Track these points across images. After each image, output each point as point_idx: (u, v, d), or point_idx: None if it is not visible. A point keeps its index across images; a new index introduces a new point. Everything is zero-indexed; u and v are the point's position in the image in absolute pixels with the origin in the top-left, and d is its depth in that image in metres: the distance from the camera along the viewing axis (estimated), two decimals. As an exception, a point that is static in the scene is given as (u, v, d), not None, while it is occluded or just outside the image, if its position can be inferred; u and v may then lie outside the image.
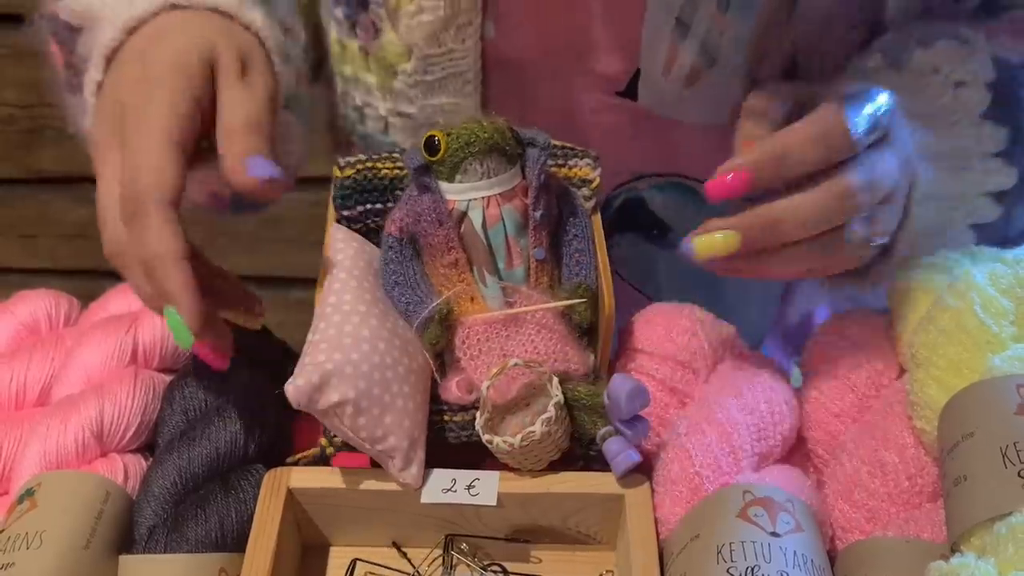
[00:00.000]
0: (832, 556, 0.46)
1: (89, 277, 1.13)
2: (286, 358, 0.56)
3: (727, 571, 0.40)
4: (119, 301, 0.58)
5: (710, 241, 0.45)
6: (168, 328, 0.43)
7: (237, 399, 0.50)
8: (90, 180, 1.11)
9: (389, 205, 0.52)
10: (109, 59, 0.49)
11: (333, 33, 0.67)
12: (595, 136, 0.62)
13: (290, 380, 0.43)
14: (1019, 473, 0.39)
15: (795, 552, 0.41)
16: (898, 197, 0.49)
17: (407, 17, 0.59)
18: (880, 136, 0.47)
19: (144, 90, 0.45)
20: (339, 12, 0.64)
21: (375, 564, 0.49)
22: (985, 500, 0.39)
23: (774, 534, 0.41)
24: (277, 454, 0.50)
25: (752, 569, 0.39)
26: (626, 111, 0.61)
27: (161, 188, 0.42)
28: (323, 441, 0.49)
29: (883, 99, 0.47)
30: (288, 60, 0.54)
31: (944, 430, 0.43)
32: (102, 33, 0.49)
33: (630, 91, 0.59)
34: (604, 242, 0.52)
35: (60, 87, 0.61)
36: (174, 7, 0.49)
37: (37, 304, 0.59)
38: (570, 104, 0.61)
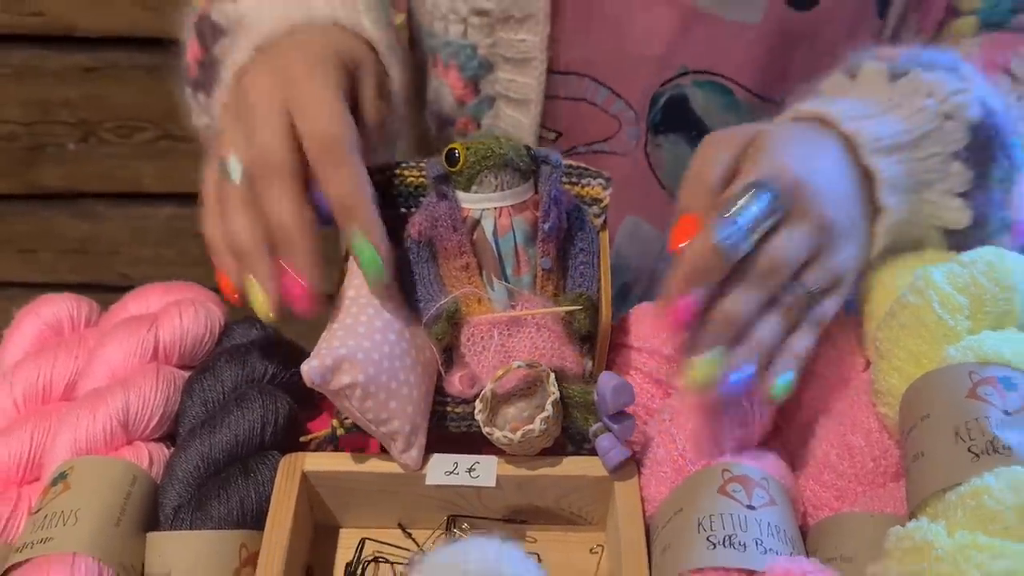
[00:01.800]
0: (804, 531, 0.50)
1: (87, 291, 1.17)
2: (296, 355, 0.59)
3: (707, 539, 0.44)
4: (138, 303, 0.62)
5: (702, 370, 0.46)
6: (362, 268, 0.49)
7: (253, 392, 0.54)
8: (90, 196, 1.14)
9: (411, 211, 0.56)
10: (238, 76, 0.54)
11: None
12: (646, 31, 0.67)
13: (306, 361, 0.47)
14: (969, 449, 0.43)
15: (769, 523, 0.45)
16: (841, 245, 0.51)
17: None
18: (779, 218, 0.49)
19: (306, 64, 0.51)
20: None
21: (383, 543, 0.52)
22: (939, 473, 0.43)
23: (750, 507, 0.45)
24: (290, 443, 0.54)
25: (729, 537, 0.43)
26: (676, 6, 0.65)
27: (351, 134, 0.48)
28: (334, 423, 0.52)
29: (783, 179, 0.48)
30: (398, 61, 0.60)
31: (904, 413, 0.48)
32: (237, 49, 0.54)
33: None
34: (608, 259, 0.56)
35: (184, 80, 0.66)
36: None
37: (60, 306, 0.63)
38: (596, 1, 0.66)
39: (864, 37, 0.66)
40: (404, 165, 0.57)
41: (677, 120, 0.70)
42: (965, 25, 0.68)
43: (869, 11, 0.66)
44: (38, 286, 1.69)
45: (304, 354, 0.51)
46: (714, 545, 0.43)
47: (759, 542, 0.43)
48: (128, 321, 0.59)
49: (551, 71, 0.70)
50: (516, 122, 0.72)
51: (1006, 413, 0.44)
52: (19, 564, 0.46)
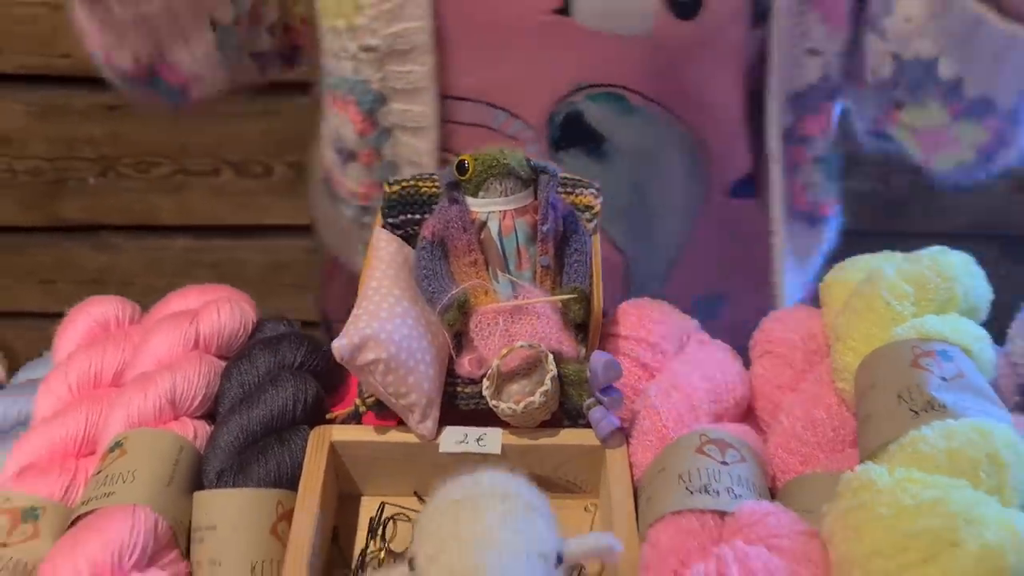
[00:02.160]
0: (773, 493, 0.57)
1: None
2: (319, 348, 0.66)
3: (685, 488, 0.50)
4: (179, 302, 0.69)
5: None
6: None
7: (285, 374, 0.61)
8: (108, 228, 1.20)
9: (426, 216, 0.63)
10: None
11: None
12: (536, 52, 0.71)
13: (336, 339, 0.54)
14: (910, 408, 0.50)
15: (739, 476, 0.51)
16: None
17: None
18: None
19: None
20: None
21: (400, 507, 0.59)
22: (884, 429, 0.50)
23: (723, 463, 0.52)
24: (318, 422, 0.61)
25: (705, 486, 0.50)
26: (563, 26, 0.69)
27: None
28: (357, 401, 0.59)
29: None
30: None
31: (857, 384, 0.55)
32: None
33: (565, 9, 0.69)
34: (599, 258, 0.63)
35: None
36: None
37: (107, 306, 0.70)
38: (514, 22, 0.70)
39: (740, 44, 0.72)
40: (419, 177, 0.65)
41: (575, 135, 0.74)
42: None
43: (746, 19, 0.72)
44: (57, 315, 1.76)
45: (325, 348, 0.58)
46: (691, 492, 0.50)
47: (730, 490, 0.50)
48: (171, 316, 0.66)
49: (446, 97, 0.74)
50: (414, 149, 0.77)
51: (943, 379, 0.51)
52: (85, 515, 0.53)
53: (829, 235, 0.88)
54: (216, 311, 0.66)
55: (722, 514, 0.49)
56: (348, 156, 0.82)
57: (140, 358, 0.63)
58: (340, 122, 0.80)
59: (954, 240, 0.64)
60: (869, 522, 0.43)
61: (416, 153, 0.77)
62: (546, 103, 0.73)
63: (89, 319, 0.69)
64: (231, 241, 1.58)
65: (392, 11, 0.71)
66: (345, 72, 0.76)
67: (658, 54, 0.71)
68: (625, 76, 0.72)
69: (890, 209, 1.52)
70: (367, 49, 0.74)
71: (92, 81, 1.43)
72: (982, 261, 0.63)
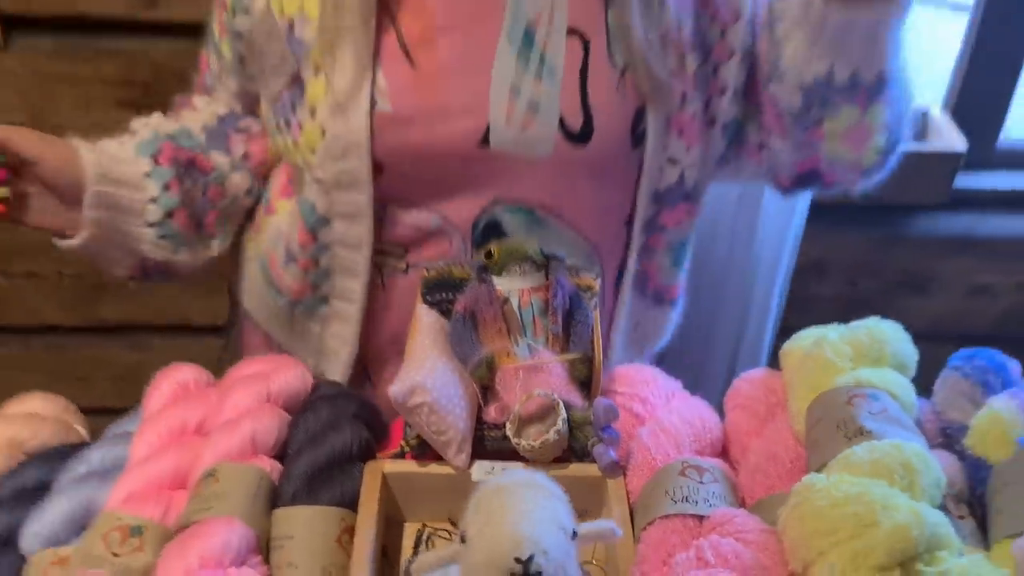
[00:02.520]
0: (743, 514, 0.69)
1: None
2: (366, 405, 0.80)
3: (671, 499, 0.64)
4: (249, 367, 0.83)
5: None
6: None
7: (343, 422, 0.74)
8: (142, 328, 1.31)
9: (456, 295, 0.77)
10: None
11: (278, 140, 0.93)
12: (462, 173, 0.86)
13: (392, 386, 0.68)
14: (845, 435, 0.64)
15: (714, 492, 0.65)
16: None
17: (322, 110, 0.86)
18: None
19: None
20: (278, 121, 0.92)
21: (437, 529, 0.71)
22: (826, 451, 0.64)
23: (701, 482, 0.65)
24: (368, 459, 0.74)
25: (686, 497, 0.63)
26: (483, 153, 0.85)
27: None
28: (402, 443, 0.73)
29: None
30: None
31: (807, 421, 0.69)
32: None
33: (484, 140, 0.85)
34: (600, 328, 0.78)
35: None
36: None
37: (187, 372, 0.84)
38: (442, 151, 0.85)
39: (624, 162, 0.88)
40: (450, 263, 0.80)
41: (494, 238, 0.89)
42: None
43: (627, 144, 0.87)
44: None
45: (370, 404, 0.71)
46: (675, 502, 0.63)
47: (707, 500, 0.63)
48: (246, 377, 0.80)
49: (390, 202, 0.89)
50: (351, 261, 0.91)
51: (871, 413, 0.65)
52: (187, 526, 0.65)
53: (674, 316, 1.05)
54: (283, 373, 0.80)
55: (700, 518, 0.62)
56: (289, 258, 0.96)
57: (223, 410, 0.77)
58: (289, 230, 0.95)
59: (915, 341, 0.78)
60: (810, 512, 0.57)
61: (352, 264, 0.91)
62: (471, 213, 0.88)
63: (173, 382, 0.83)
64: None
65: (338, 154, 0.86)
66: (297, 195, 0.93)
67: (558, 174, 0.87)
68: (532, 193, 0.88)
69: (855, 312, 1.68)
70: (317, 180, 0.89)
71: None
72: (940, 360, 0.77)
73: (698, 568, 0.56)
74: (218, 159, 0.98)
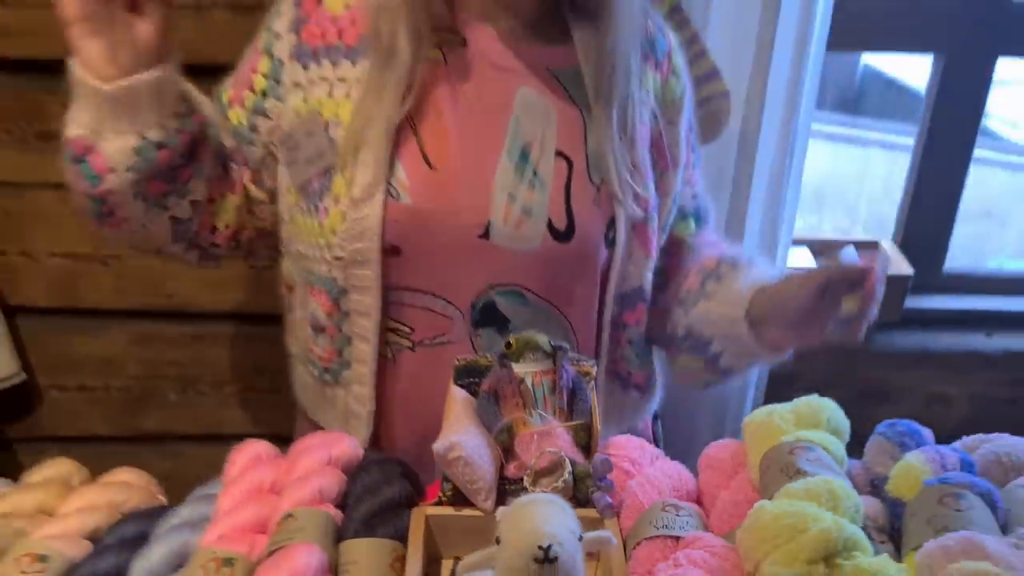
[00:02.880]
0: (713, 547, 0.87)
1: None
2: (406, 468, 0.98)
3: (654, 526, 0.82)
4: (312, 440, 1.01)
5: None
6: None
7: (393, 477, 0.93)
8: (179, 438, 1.46)
9: (480, 379, 0.97)
10: None
11: (302, 220, 1.09)
12: (463, 260, 1.04)
13: (435, 443, 0.87)
14: (787, 476, 0.82)
15: (688, 522, 0.83)
16: None
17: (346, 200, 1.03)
18: None
19: None
20: (308, 205, 1.08)
21: (470, 563, 0.88)
22: (772, 488, 0.82)
23: (677, 515, 0.83)
24: (414, 506, 0.92)
25: (666, 525, 0.81)
26: (483, 244, 1.04)
27: None
28: (440, 494, 0.91)
29: None
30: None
31: (760, 470, 0.87)
32: None
33: (485, 234, 1.04)
34: (597, 405, 0.97)
35: None
36: None
37: (260, 446, 1.02)
38: (449, 240, 1.03)
39: (598, 260, 1.09)
40: (477, 356, 1.00)
41: (490, 318, 1.08)
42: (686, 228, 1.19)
43: (601, 245, 1.08)
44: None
45: (411, 469, 0.90)
46: (657, 528, 0.81)
47: (682, 527, 0.81)
48: (309, 447, 0.99)
49: (398, 289, 1.06)
50: (363, 327, 1.08)
51: (807, 460, 0.84)
52: (274, 552, 0.83)
53: (645, 400, 1.25)
54: (340, 444, 0.98)
55: (677, 538, 0.80)
56: (319, 330, 1.13)
57: (294, 471, 0.95)
58: (315, 306, 1.12)
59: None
60: (757, 526, 0.75)
61: (364, 330, 1.08)
62: (470, 295, 1.06)
63: (248, 453, 1.01)
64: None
65: (355, 236, 1.04)
66: (320, 271, 1.10)
67: (544, 265, 1.06)
68: (523, 279, 1.07)
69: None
70: (337, 258, 1.07)
71: (184, 315, 1.81)
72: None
73: (675, 569, 0.74)
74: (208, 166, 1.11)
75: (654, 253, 1.14)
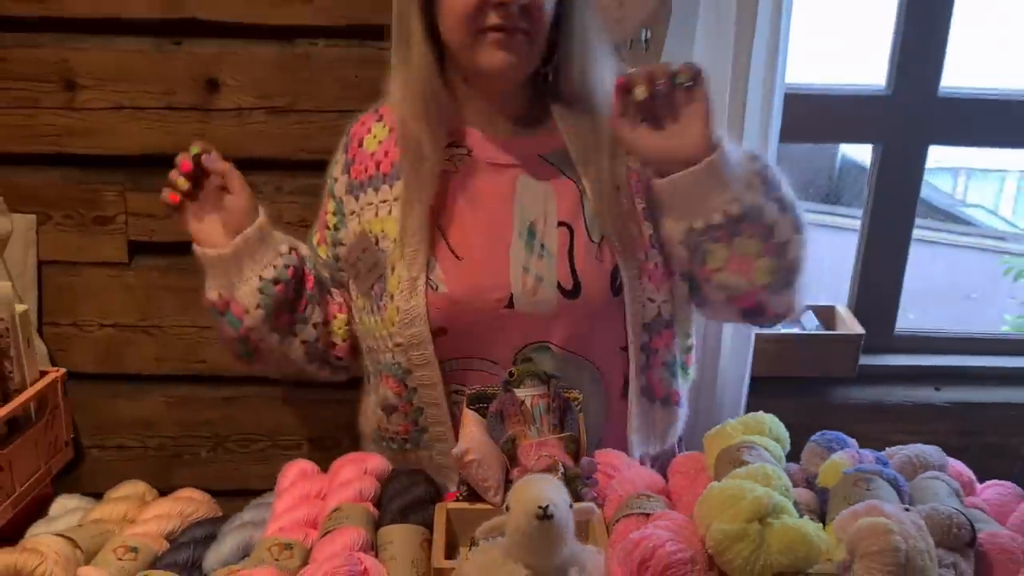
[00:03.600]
0: (679, 530, 1.08)
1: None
2: (429, 479, 1.19)
3: (630, 508, 1.02)
4: (349, 457, 1.22)
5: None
6: None
7: (419, 480, 1.14)
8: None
9: (489, 404, 1.18)
10: None
11: (368, 319, 1.34)
12: (497, 329, 1.26)
13: (454, 448, 1.08)
14: (733, 467, 1.04)
15: (657, 505, 1.04)
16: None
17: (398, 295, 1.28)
18: None
19: None
20: (371, 307, 1.32)
21: (482, 547, 1.09)
22: (722, 477, 1.03)
23: (649, 500, 1.04)
24: (437, 502, 1.12)
25: (640, 507, 1.02)
26: (510, 314, 1.26)
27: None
28: (458, 495, 1.11)
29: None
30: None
31: (715, 468, 1.09)
32: None
33: (510, 304, 1.26)
34: (583, 423, 1.18)
35: None
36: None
37: (305, 464, 1.23)
38: (483, 315, 1.26)
39: (609, 307, 1.28)
40: (486, 388, 1.22)
41: (527, 370, 1.16)
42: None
43: (609, 294, 1.27)
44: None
45: (432, 479, 1.12)
46: (632, 508, 1.02)
47: (652, 508, 1.02)
48: (349, 461, 1.20)
49: (450, 359, 1.29)
50: (432, 396, 1.30)
51: (750, 455, 1.06)
52: (326, 534, 1.03)
53: (681, 414, 1.40)
54: (374, 460, 1.20)
55: (647, 515, 1.01)
56: (391, 410, 1.34)
57: (337, 479, 1.16)
58: (385, 390, 1.33)
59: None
60: (707, 498, 0.96)
61: (433, 398, 1.30)
62: (509, 353, 1.28)
63: (297, 469, 1.22)
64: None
65: (408, 323, 1.28)
66: (386, 359, 1.33)
67: (561, 321, 1.27)
68: (546, 335, 1.28)
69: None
70: (397, 345, 1.29)
71: (217, 379, 2.00)
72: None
73: (645, 531, 0.95)
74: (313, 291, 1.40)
75: (664, 283, 1.30)
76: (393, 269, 1.30)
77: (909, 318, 2.34)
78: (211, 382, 2.00)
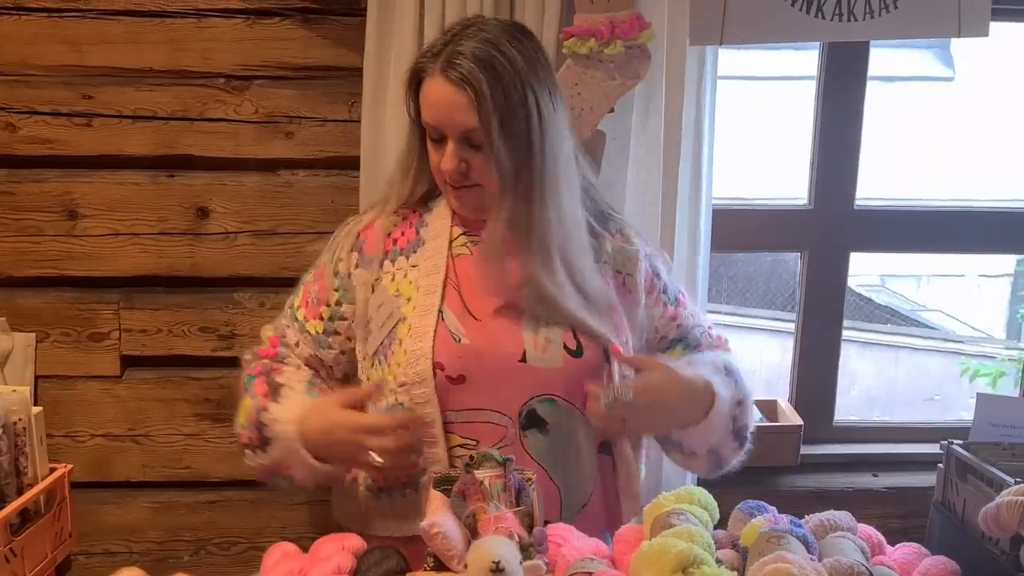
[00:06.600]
0: (621, 589, 1.22)
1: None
2: (399, 555, 1.33)
3: (576, 569, 1.17)
4: (329, 537, 1.36)
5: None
6: None
7: (392, 557, 1.28)
8: None
9: (452, 486, 1.33)
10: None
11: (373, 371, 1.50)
12: (508, 381, 1.43)
13: (422, 523, 1.23)
14: (664, 528, 1.19)
15: (599, 565, 1.18)
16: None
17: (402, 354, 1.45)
18: None
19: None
20: (377, 360, 1.49)
21: (448, 611, 1.22)
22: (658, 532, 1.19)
23: (593, 561, 1.19)
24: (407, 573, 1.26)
25: (584, 567, 1.17)
26: (522, 368, 1.43)
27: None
28: (425, 565, 1.26)
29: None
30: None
31: (651, 534, 1.24)
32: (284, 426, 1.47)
33: (523, 359, 1.43)
34: (538, 498, 1.34)
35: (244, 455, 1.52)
36: None
37: (287, 546, 1.37)
38: (499, 368, 1.43)
39: (600, 370, 1.45)
40: (449, 473, 1.37)
41: (532, 422, 1.44)
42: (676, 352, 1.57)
43: (601, 360, 1.45)
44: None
45: (403, 553, 1.26)
46: (577, 569, 1.17)
47: (596, 567, 1.17)
48: (328, 540, 1.34)
49: (464, 410, 1.45)
50: (432, 435, 1.42)
51: (679, 520, 1.21)
52: None
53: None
54: (352, 539, 1.34)
55: (591, 573, 1.16)
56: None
57: (318, 555, 1.30)
58: None
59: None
60: (640, 552, 1.12)
61: (432, 437, 1.43)
62: (517, 406, 1.44)
63: (279, 551, 1.35)
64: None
65: (413, 361, 1.43)
66: (389, 402, 1.45)
67: (567, 376, 1.44)
68: (553, 388, 1.45)
69: (743, 549, 2.20)
70: (400, 385, 1.44)
71: (200, 484, 2.12)
72: None
73: (586, 583, 1.10)
74: None
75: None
76: (404, 319, 1.47)
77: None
78: (194, 487, 2.12)
